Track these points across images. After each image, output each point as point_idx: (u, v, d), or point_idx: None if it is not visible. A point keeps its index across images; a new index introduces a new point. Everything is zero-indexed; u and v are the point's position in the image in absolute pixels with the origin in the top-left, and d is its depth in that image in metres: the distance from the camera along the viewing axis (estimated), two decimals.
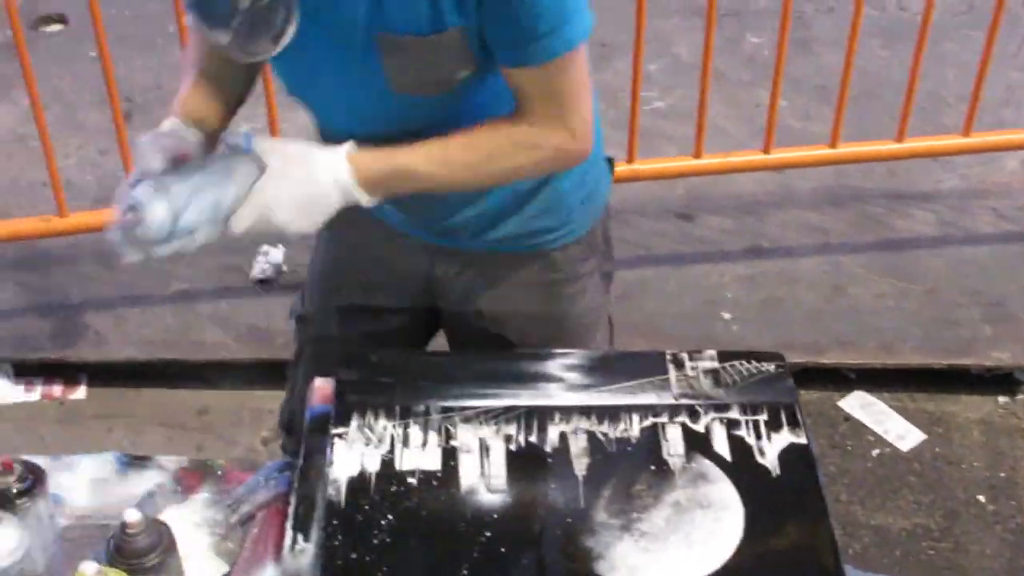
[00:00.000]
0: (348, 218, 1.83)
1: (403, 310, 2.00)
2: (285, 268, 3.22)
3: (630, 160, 3.17)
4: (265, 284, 3.19)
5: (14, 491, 1.49)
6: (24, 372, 3.00)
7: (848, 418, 2.95)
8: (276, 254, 3.23)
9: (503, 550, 1.47)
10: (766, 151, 3.21)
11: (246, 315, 3.09)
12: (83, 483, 1.70)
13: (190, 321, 3.07)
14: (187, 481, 1.73)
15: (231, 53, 1.53)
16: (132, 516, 1.41)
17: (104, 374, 3.02)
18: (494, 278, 1.90)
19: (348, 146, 1.61)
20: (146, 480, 1.73)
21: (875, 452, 2.87)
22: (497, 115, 1.64)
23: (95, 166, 3.55)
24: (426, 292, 1.96)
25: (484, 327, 1.92)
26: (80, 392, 2.99)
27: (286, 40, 1.50)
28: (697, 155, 3.18)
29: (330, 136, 1.69)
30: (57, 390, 2.98)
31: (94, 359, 2.99)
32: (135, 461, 1.77)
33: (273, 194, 1.57)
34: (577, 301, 1.94)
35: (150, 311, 3.09)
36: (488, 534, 1.49)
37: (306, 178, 1.59)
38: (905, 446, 2.88)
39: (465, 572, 1.44)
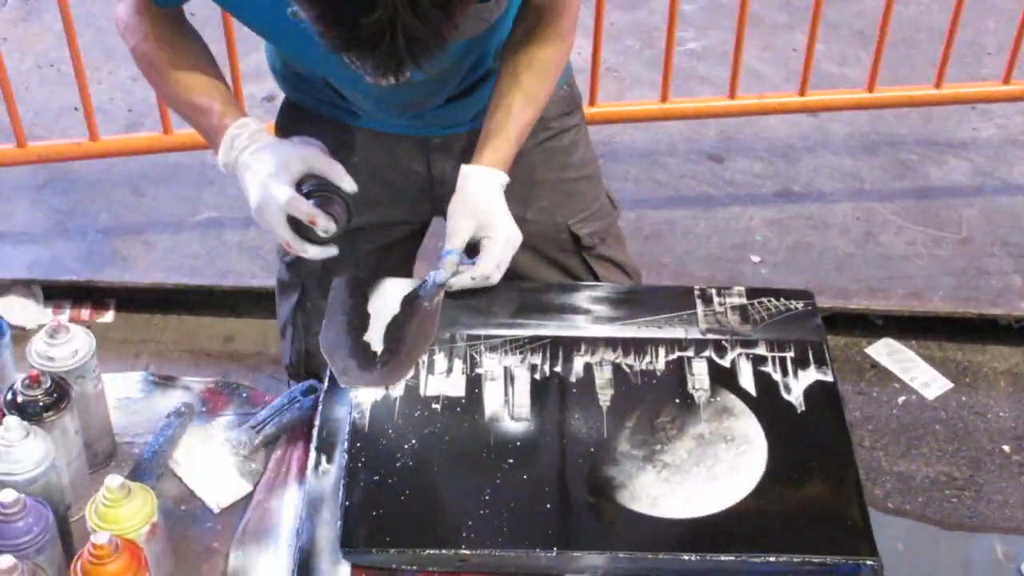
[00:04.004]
0: (338, 138, 1.87)
1: (404, 221, 2.00)
2: None
3: (663, 99, 3.13)
4: None
5: (41, 404, 1.50)
6: (53, 295, 3.00)
7: (875, 365, 2.94)
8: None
9: (525, 477, 1.47)
10: (802, 93, 3.17)
11: (273, 243, 3.08)
12: (110, 401, 1.71)
13: (217, 248, 3.07)
14: (212, 402, 1.74)
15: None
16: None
17: (132, 299, 3.02)
18: None
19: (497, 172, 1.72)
20: (172, 400, 1.75)
21: (901, 399, 2.86)
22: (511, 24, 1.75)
23: (126, 92, 3.54)
24: (424, 195, 1.96)
25: None
26: (108, 316, 3.00)
27: None
28: (731, 95, 3.15)
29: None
30: (85, 313, 2.99)
31: (122, 283, 3.00)
32: (161, 381, 1.79)
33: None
34: (572, 152, 1.96)
35: (178, 237, 3.09)
36: (511, 461, 1.49)
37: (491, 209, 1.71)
38: (931, 394, 2.86)
39: (487, 498, 1.45)
